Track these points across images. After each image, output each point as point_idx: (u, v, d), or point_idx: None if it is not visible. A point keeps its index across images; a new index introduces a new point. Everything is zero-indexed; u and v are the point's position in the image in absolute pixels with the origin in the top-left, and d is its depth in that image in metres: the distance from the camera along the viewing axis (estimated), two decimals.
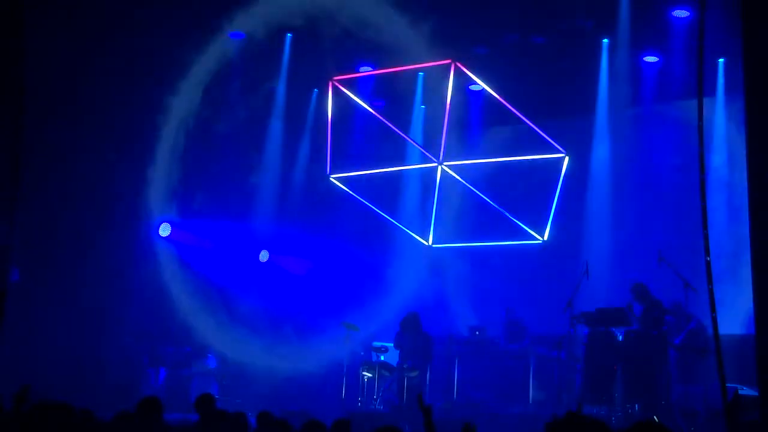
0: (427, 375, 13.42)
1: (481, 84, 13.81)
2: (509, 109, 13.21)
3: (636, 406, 11.40)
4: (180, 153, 15.47)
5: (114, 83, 14.49)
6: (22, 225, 13.10)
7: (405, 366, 13.17)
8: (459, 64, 12.38)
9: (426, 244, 14.59)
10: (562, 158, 13.65)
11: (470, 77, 13.18)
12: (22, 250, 13.49)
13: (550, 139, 13.45)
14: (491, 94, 13.50)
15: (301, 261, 17.17)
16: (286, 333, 16.11)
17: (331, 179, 13.92)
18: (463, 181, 14.32)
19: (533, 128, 13.33)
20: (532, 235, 14.18)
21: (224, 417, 6.57)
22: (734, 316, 12.17)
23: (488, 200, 14.27)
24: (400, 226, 15.29)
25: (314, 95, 17.05)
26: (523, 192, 15.81)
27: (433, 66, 13.46)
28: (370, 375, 13.50)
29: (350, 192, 14.29)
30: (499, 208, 14.18)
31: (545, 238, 13.97)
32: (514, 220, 14.21)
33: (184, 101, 15.40)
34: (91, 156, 14.54)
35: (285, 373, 15.22)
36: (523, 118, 13.20)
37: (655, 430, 3.71)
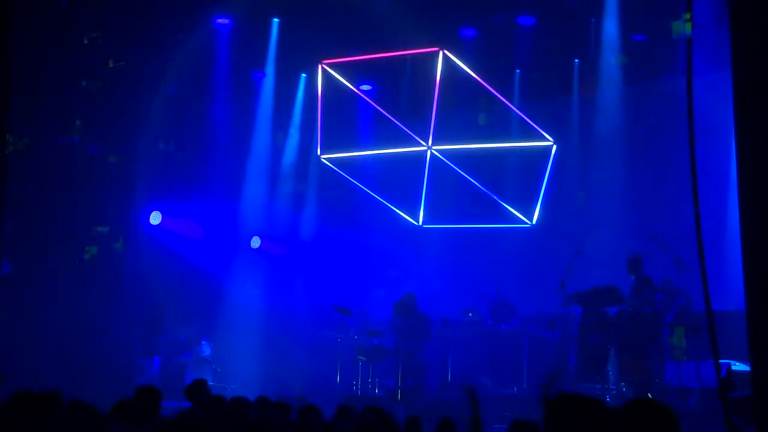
0: (424, 356, 13.43)
1: (468, 71, 13.82)
2: (497, 95, 13.25)
3: (630, 384, 11.45)
4: (168, 140, 15.42)
5: (99, 71, 14.42)
6: (11, 217, 13.10)
7: (401, 349, 13.18)
8: (447, 52, 12.38)
9: (416, 224, 14.63)
10: (550, 146, 13.68)
11: (459, 59, 13.19)
12: (12, 242, 13.48)
13: (538, 128, 13.48)
14: (480, 77, 13.52)
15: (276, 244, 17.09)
16: (279, 319, 16.11)
17: (322, 159, 13.93)
18: (452, 165, 14.34)
19: (522, 116, 13.39)
20: (521, 218, 14.24)
21: (219, 403, 6.56)
22: (727, 293, 12.20)
23: (477, 184, 14.28)
24: (390, 206, 15.30)
25: (303, 80, 16.99)
26: (512, 175, 15.81)
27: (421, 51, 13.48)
28: (365, 359, 13.51)
29: (340, 172, 14.31)
30: (488, 192, 14.21)
31: (534, 221, 14.01)
32: (503, 203, 14.25)
33: (171, 88, 15.34)
34: (79, 146, 14.49)
35: (279, 359, 15.23)
36: (511, 107, 13.26)
37: (648, 407, 3.70)
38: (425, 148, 13.58)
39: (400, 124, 15.35)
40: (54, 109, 14.25)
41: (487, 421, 11.24)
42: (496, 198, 14.30)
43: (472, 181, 14.36)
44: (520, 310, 14.30)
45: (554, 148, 13.67)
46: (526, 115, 14.61)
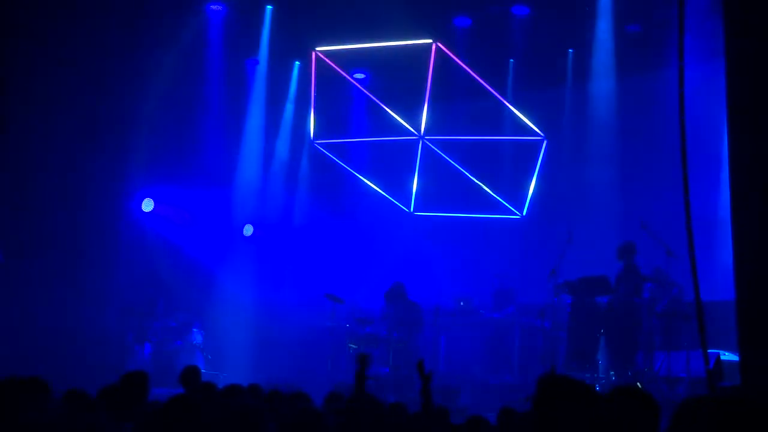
0: (416, 344, 13.46)
1: (461, 64, 13.82)
2: (488, 88, 13.28)
3: (619, 373, 11.50)
4: (160, 127, 15.37)
5: (91, 57, 14.34)
6: (2, 205, 13.07)
7: (392, 337, 13.21)
8: (440, 44, 12.41)
9: (407, 211, 14.67)
10: (541, 140, 13.73)
11: (453, 48, 13.20)
12: (4, 230, 13.43)
13: (529, 122, 13.51)
14: (474, 66, 13.53)
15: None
16: (270, 306, 16.11)
17: (315, 144, 13.96)
18: (444, 156, 14.37)
19: (513, 109, 13.43)
20: (511, 210, 14.30)
21: (212, 390, 6.57)
22: (716, 282, 12.26)
23: (468, 174, 14.31)
24: (382, 192, 15.31)
25: (296, 67, 16.94)
26: (503, 165, 15.83)
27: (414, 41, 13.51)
28: (356, 347, 13.53)
29: (333, 158, 14.32)
30: (479, 183, 14.24)
31: (524, 213, 14.07)
32: (494, 195, 14.28)
33: (163, 74, 15.27)
34: (70, 132, 14.42)
35: (271, 347, 15.26)
36: (502, 100, 13.26)
37: (633, 394, 3.75)
38: (417, 137, 13.61)
39: (392, 113, 15.35)
40: (42, 96, 14.17)
41: (479, 408, 11.33)
42: (487, 189, 14.33)
43: (464, 171, 14.39)
44: (517, 299, 14.36)
45: (545, 143, 13.74)
46: (519, 106, 14.61)
